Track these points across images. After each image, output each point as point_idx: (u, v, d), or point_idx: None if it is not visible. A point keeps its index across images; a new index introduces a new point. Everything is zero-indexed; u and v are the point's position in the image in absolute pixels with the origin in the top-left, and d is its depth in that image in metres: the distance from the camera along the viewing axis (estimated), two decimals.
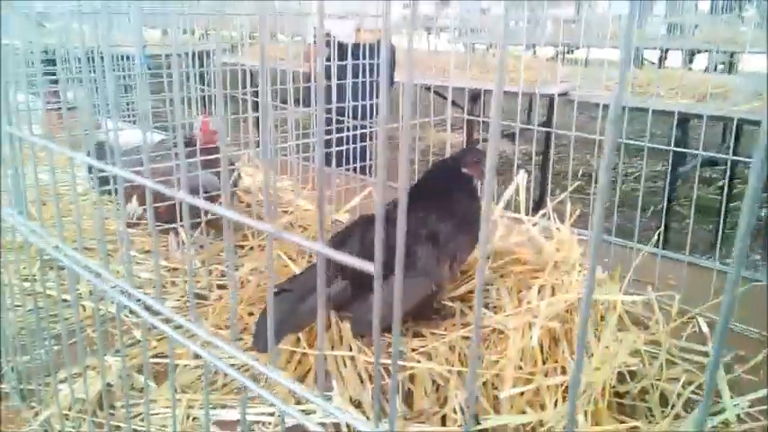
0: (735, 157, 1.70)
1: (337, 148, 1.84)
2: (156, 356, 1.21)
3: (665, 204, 3.01)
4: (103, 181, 1.55)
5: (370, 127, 1.93)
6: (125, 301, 0.73)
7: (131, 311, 1.30)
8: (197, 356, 1.23)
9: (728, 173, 3.25)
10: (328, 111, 1.85)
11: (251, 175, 1.83)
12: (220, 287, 1.45)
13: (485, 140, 3.36)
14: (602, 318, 1.20)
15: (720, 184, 4.31)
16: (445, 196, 1.30)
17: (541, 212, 1.54)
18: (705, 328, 1.26)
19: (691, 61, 4.39)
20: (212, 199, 1.50)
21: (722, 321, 0.37)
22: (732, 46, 4.28)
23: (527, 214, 1.53)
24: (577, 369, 0.43)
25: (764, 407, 1.04)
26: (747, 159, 1.46)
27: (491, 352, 1.15)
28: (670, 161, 3.09)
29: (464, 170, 1.33)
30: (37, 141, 0.85)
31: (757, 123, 2.68)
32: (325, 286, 0.52)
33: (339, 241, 1.23)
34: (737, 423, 1.00)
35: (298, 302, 1.13)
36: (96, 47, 1.51)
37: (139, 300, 0.72)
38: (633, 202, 1.53)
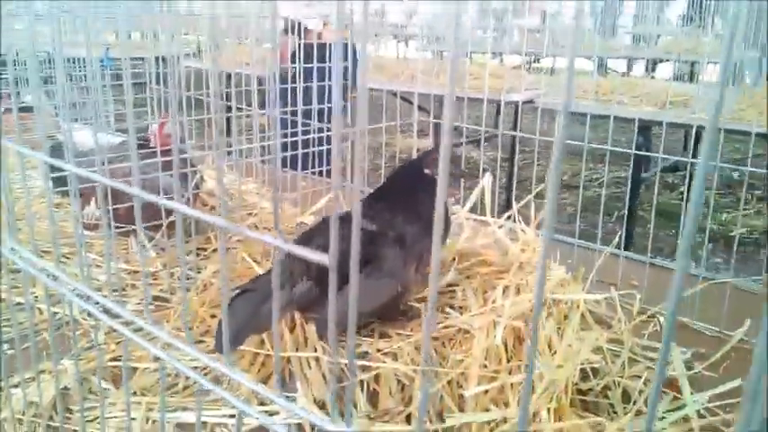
0: (693, 160, 1.73)
1: (303, 151, 1.82)
2: (114, 360, 1.18)
3: (626, 209, 3.07)
4: (62, 182, 1.52)
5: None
6: (82, 303, 0.71)
7: (89, 314, 1.27)
8: (157, 359, 1.20)
9: (688, 179, 3.32)
10: (293, 113, 1.84)
11: (214, 178, 1.80)
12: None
13: (454, 145, 3.38)
14: (566, 317, 1.21)
15: (682, 189, 4.41)
16: (410, 198, 1.30)
17: (507, 215, 1.55)
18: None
19: (653, 70, 4.49)
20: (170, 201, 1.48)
21: (669, 317, 0.38)
22: (693, 56, 4.38)
23: (493, 216, 1.54)
24: (531, 362, 0.43)
25: (723, 402, 1.06)
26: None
27: (456, 351, 1.14)
28: (631, 166, 3.15)
29: (426, 171, 1.32)
30: None
31: (718, 131, 2.75)
32: (279, 282, 0.51)
33: (303, 241, 1.22)
34: (697, 418, 1.01)
35: (261, 303, 1.12)
36: (53, 48, 1.48)
37: (98, 303, 0.70)
38: (597, 207, 1.55)
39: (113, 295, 0.74)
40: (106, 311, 0.69)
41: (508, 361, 1.08)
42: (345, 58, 2.15)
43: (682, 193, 4.36)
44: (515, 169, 3.24)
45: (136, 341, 0.65)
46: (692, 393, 1.07)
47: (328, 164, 1.93)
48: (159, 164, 1.41)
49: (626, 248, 2.94)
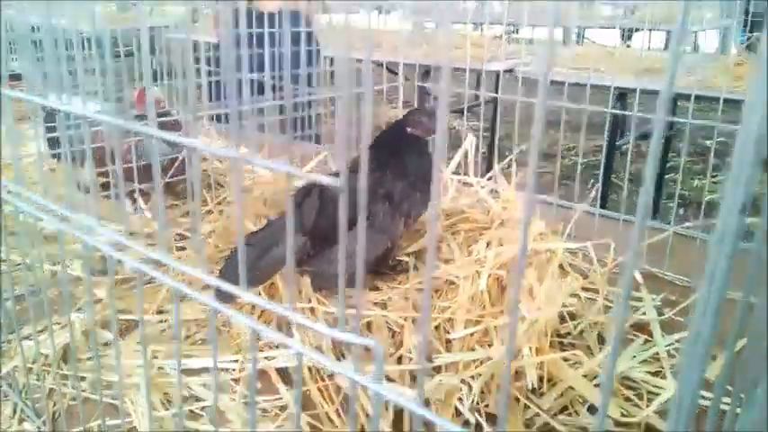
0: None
1: (289, 116, 1.86)
2: (118, 312, 1.24)
3: (601, 174, 3.15)
4: (55, 145, 1.56)
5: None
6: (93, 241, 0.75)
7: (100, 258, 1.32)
8: (160, 312, 1.27)
9: (662, 145, 3.41)
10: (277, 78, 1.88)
11: (206, 143, 1.84)
12: (180, 249, 1.48)
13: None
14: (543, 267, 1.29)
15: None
16: (396, 157, 1.35)
17: (488, 176, 1.62)
18: (639, 277, 1.36)
19: (629, 38, 4.56)
20: (165, 166, 1.52)
21: (628, 269, 0.43)
22: (667, 25, 4.45)
23: (476, 177, 1.61)
24: (515, 303, 0.49)
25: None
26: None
27: (443, 300, 1.22)
28: (606, 135, 3.22)
29: (409, 130, 1.38)
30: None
31: (688, 98, 2.83)
32: (288, 227, 0.55)
33: (298, 200, 1.27)
34: (668, 357, 1.10)
35: (258, 257, 1.18)
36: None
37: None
38: (575, 175, 1.62)
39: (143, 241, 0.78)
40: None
41: (492, 306, 1.15)
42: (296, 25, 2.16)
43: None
44: (497, 137, 3.32)
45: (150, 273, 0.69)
46: (662, 336, 1.16)
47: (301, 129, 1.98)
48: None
49: (602, 203, 3.03)
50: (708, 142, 4.61)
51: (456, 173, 1.65)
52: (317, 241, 1.24)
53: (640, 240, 0.43)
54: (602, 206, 3.13)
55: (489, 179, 1.61)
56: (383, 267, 1.35)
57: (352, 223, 1.21)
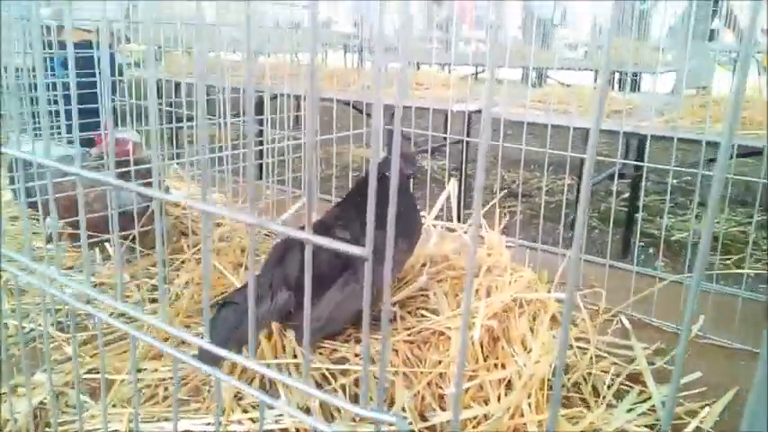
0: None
1: (259, 161, 1.83)
2: (88, 372, 1.16)
3: (574, 216, 3.17)
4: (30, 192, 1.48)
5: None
6: (66, 299, 0.71)
7: (61, 325, 1.25)
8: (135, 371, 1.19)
9: (633, 185, 3.47)
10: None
11: (179, 188, 1.79)
12: (152, 301, 1.42)
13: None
14: (535, 317, 1.26)
15: (625, 195, 4.58)
16: (379, 203, 1.32)
17: (471, 221, 1.60)
18: (627, 324, 1.35)
19: (596, 80, 4.67)
20: (131, 215, 1.45)
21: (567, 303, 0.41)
22: (634, 67, 4.58)
23: (459, 222, 1.59)
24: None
25: (686, 393, 1.12)
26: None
27: (433, 353, 1.18)
28: (567, 175, 3.25)
29: (387, 174, 1.35)
30: None
31: (659, 138, 2.88)
32: (263, 293, 0.53)
33: (279, 255, 1.23)
34: (662, 408, 1.07)
35: (244, 315, 1.12)
36: None
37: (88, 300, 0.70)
38: (548, 214, 1.62)
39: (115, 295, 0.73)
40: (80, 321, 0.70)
41: (485, 359, 1.12)
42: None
43: (626, 199, 4.53)
44: (463, 177, 3.34)
45: (137, 337, 0.65)
46: (656, 385, 1.14)
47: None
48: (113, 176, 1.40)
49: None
50: (675, 181, 4.71)
51: (438, 218, 1.63)
52: (301, 296, 1.19)
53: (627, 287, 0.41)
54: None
55: (471, 225, 1.59)
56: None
57: (335, 278, 1.16)
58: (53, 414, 1.05)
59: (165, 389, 1.14)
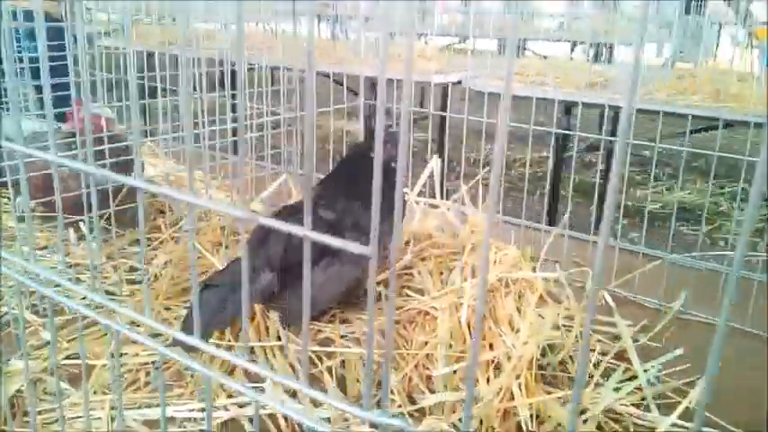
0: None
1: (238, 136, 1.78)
2: (67, 358, 1.13)
3: (549, 187, 3.18)
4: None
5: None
6: (37, 286, 0.68)
7: (37, 308, 1.22)
8: (113, 356, 1.17)
9: (606, 157, 3.49)
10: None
11: (154, 165, 1.74)
12: (130, 282, 1.38)
13: (388, 126, 3.40)
14: (521, 295, 1.26)
15: (599, 168, 4.61)
16: (363, 183, 1.30)
17: (454, 197, 1.58)
18: (611, 302, 1.35)
19: (572, 51, 4.65)
20: (107, 193, 1.41)
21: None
22: (609, 38, 4.57)
23: (442, 199, 1.57)
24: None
25: (671, 370, 1.13)
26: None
27: (419, 333, 1.17)
28: (551, 146, 3.26)
29: (371, 155, 1.33)
30: None
31: (638, 112, 2.88)
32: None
33: (263, 234, 1.20)
34: (648, 386, 1.08)
35: (225, 297, 1.10)
36: None
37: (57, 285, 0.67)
38: (520, 186, 1.61)
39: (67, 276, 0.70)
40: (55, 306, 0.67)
41: (472, 340, 1.11)
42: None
43: (599, 171, 4.55)
44: (446, 150, 3.31)
45: (107, 324, 0.62)
46: (640, 363, 1.14)
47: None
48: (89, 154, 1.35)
49: (549, 224, 3.06)
50: (647, 153, 4.75)
51: (420, 194, 1.61)
52: (285, 276, 1.17)
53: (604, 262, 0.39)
54: (551, 216, 3.18)
55: (455, 201, 1.57)
56: (352, 298, 1.29)
57: (318, 259, 1.13)
58: (30, 402, 1.02)
59: (147, 374, 1.11)
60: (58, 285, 0.67)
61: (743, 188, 4.31)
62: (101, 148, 1.32)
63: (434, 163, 1.57)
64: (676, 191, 4.19)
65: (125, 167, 1.51)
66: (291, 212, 1.24)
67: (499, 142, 0.40)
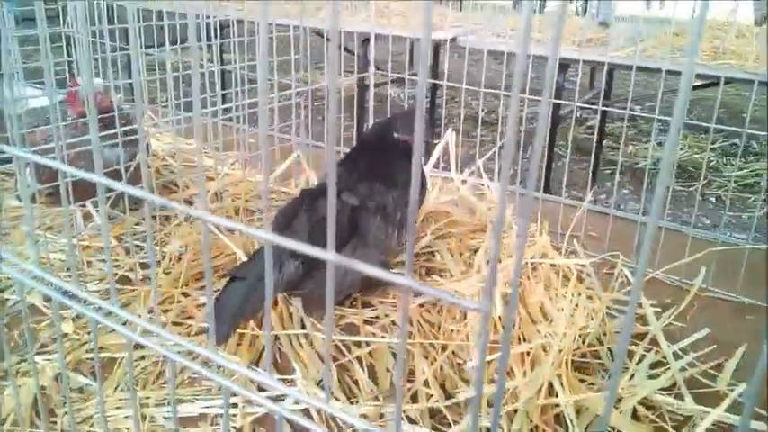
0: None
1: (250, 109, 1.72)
2: (91, 351, 1.10)
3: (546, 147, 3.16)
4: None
5: None
6: (43, 288, 0.64)
7: (48, 301, 1.18)
8: (138, 347, 1.14)
9: (600, 115, 3.46)
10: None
11: (159, 139, 1.68)
12: (144, 266, 1.34)
13: (376, 85, 3.32)
14: (548, 280, 1.24)
15: (591, 123, 4.59)
16: (386, 164, 1.26)
17: (470, 170, 1.55)
18: (631, 278, 1.34)
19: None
20: (117, 174, 1.35)
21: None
22: None
23: (457, 172, 1.54)
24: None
25: (698, 353, 1.13)
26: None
27: (446, 318, 1.15)
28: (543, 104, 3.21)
29: (396, 135, 1.29)
30: None
31: (629, 68, 2.85)
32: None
33: (285, 221, 1.16)
34: (679, 371, 1.08)
35: (250, 289, 1.07)
36: None
37: (58, 287, 0.64)
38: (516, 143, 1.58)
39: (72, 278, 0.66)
40: (67, 295, 0.63)
41: (503, 328, 1.09)
42: None
43: (591, 127, 4.53)
44: (439, 108, 3.25)
45: (120, 331, 0.58)
46: (669, 346, 1.14)
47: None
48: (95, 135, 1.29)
49: (545, 185, 3.05)
50: (638, 108, 4.72)
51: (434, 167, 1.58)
52: (309, 263, 1.14)
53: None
54: (548, 176, 3.16)
55: (471, 174, 1.54)
56: (375, 282, 1.27)
57: (343, 244, 1.08)
58: (60, 397, 0.99)
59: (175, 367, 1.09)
60: (67, 292, 0.63)
61: (734, 143, 4.30)
62: (112, 131, 1.26)
63: (449, 136, 1.53)
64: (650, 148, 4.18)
65: (130, 141, 1.45)
66: (312, 198, 1.20)
67: (511, 129, 0.37)
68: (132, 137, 1.39)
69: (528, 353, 1.02)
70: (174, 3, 2.07)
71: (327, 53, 2.00)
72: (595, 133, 3.85)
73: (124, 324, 0.59)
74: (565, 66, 3.43)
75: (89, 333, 1.13)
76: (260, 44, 0.43)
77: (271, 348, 0.55)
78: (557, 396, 0.94)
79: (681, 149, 4.34)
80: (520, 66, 0.38)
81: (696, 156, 4.09)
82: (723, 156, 4.16)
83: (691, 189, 3.58)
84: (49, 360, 1.06)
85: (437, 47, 3.73)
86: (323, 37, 3.28)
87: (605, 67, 2.49)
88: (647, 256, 0.36)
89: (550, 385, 0.96)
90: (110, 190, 1.16)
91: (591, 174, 3.35)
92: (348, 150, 1.35)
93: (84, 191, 1.28)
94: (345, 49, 3.53)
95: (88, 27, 1.50)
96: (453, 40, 3.51)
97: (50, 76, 0.62)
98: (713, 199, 3.59)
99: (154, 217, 1.43)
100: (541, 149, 0.39)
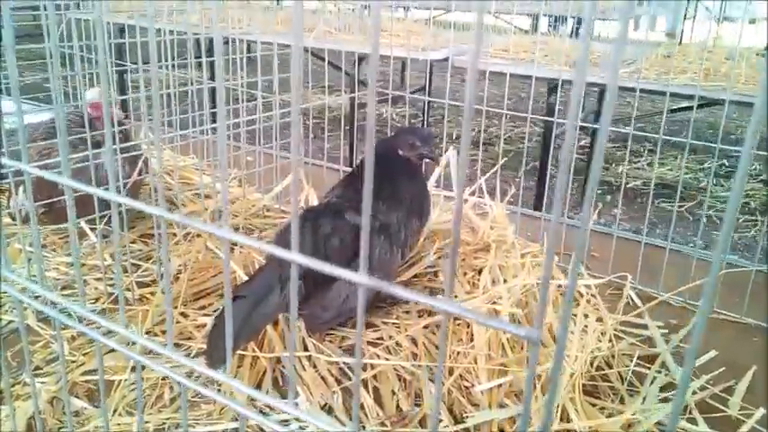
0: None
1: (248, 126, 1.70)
2: (85, 374, 1.06)
3: (539, 168, 3.17)
4: None
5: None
6: (39, 306, 0.61)
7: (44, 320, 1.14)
8: (134, 370, 1.10)
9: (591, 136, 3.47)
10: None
11: (155, 156, 1.64)
12: (141, 285, 1.31)
13: (361, 105, 3.32)
14: (554, 301, 1.23)
15: (583, 143, 4.61)
16: (389, 182, 1.24)
17: (471, 189, 1.54)
18: (638, 301, 1.33)
19: (555, 28, 4.59)
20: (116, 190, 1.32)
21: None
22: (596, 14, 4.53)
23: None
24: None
25: (710, 374, 1.11)
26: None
27: (452, 341, 1.13)
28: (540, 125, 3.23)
29: (401, 152, 1.27)
30: None
31: (623, 90, 2.87)
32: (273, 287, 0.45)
33: (287, 242, 1.14)
34: (690, 395, 1.06)
35: (251, 309, 1.04)
36: None
37: (54, 304, 0.61)
38: (509, 163, 1.57)
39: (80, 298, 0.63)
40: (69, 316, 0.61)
41: (512, 351, 1.07)
42: None
43: (583, 147, 4.55)
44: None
45: (121, 351, 0.56)
46: (677, 368, 1.12)
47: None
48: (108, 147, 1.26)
49: (537, 203, 3.04)
50: (626, 129, 4.75)
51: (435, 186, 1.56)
52: (311, 283, 1.12)
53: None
54: (539, 194, 3.16)
55: (472, 194, 1.53)
56: (377, 302, 1.24)
57: (349, 263, 1.05)
58: (55, 421, 0.95)
59: (171, 388, 1.05)
60: (64, 310, 0.60)
61: (721, 164, 4.32)
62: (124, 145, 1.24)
63: (451, 154, 1.51)
64: (656, 167, 4.21)
65: (132, 162, 1.42)
66: (315, 217, 1.17)
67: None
68: (133, 153, 1.37)
69: (540, 376, 1.00)
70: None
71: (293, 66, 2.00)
72: (590, 152, 3.87)
73: (127, 345, 0.56)
74: (554, 87, 3.45)
75: (84, 354, 1.09)
76: (218, 59, 0.41)
77: (294, 375, 0.53)
78: (569, 421, 0.92)
79: (669, 169, 4.37)
80: (575, 94, 0.36)
81: (687, 176, 4.11)
82: (715, 176, 4.19)
83: (680, 209, 3.59)
84: (43, 383, 1.02)
85: (431, 66, 3.74)
86: (318, 57, 3.28)
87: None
88: (711, 297, 0.34)
89: (563, 409, 0.93)
90: (109, 207, 1.13)
91: (582, 193, 3.36)
92: (348, 168, 1.33)
93: (81, 209, 1.25)
94: (333, 65, 3.52)
95: (105, 41, 1.48)
96: (445, 60, 3.53)
97: (59, 93, 0.60)
98: (704, 219, 3.60)
99: (152, 235, 1.40)
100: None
